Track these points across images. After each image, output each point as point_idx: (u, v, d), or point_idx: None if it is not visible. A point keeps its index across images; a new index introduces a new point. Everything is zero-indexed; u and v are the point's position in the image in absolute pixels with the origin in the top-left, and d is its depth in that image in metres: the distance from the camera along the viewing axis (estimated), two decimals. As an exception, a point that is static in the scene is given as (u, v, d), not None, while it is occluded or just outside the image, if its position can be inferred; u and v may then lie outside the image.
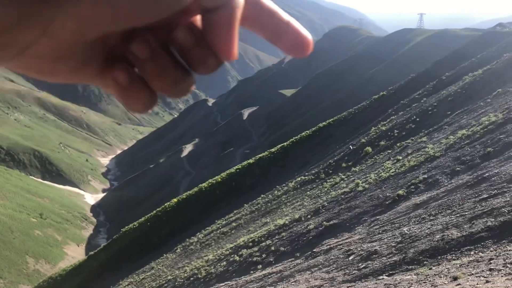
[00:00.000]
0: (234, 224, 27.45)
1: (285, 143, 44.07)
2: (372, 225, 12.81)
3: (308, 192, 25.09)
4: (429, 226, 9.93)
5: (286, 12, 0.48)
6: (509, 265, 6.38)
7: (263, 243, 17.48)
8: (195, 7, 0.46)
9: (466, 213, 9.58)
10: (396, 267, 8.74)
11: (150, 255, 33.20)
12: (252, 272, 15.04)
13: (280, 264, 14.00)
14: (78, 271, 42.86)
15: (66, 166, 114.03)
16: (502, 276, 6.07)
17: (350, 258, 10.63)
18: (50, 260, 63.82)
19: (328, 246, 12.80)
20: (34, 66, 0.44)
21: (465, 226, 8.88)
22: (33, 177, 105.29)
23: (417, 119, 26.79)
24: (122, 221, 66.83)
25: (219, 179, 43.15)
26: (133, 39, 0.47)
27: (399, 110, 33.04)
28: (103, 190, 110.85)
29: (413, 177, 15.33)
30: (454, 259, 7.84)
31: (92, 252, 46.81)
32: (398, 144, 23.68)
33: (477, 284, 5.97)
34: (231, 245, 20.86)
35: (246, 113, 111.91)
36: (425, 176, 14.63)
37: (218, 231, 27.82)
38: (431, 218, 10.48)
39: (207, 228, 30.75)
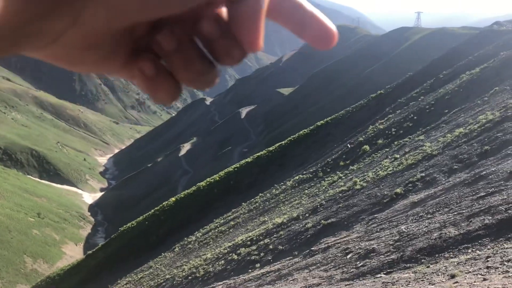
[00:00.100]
0: (232, 223, 27.45)
1: (283, 142, 44.10)
2: (370, 223, 12.83)
3: (306, 191, 25.11)
4: (426, 224, 9.95)
5: None
6: (506, 263, 6.40)
7: (261, 242, 17.49)
8: None
9: (464, 211, 9.61)
10: (394, 265, 8.76)
11: (148, 254, 33.18)
12: (250, 270, 15.06)
13: (278, 262, 14.02)
14: (76, 270, 42.82)
15: (63, 165, 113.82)
16: (499, 274, 6.09)
17: (348, 256, 10.65)
18: (48, 259, 63.73)
19: (326, 245, 12.82)
20: (64, 55, 0.44)
21: (463, 224, 8.91)
22: (30, 177, 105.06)
23: (415, 118, 26.83)
24: (120, 220, 66.78)
25: (217, 178, 43.15)
26: (159, 30, 0.48)
27: (397, 108, 33.08)
28: (101, 189, 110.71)
29: (411, 175, 15.36)
30: (451, 257, 7.86)
31: (90, 252, 46.76)
32: (395, 143, 23.72)
33: (475, 282, 5.99)
34: (229, 244, 20.87)
35: (244, 112, 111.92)
36: (423, 174, 14.66)
37: (216, 230, 27.83)
38: (429, 216, 10.51)
39: (205, 227, 30.75)
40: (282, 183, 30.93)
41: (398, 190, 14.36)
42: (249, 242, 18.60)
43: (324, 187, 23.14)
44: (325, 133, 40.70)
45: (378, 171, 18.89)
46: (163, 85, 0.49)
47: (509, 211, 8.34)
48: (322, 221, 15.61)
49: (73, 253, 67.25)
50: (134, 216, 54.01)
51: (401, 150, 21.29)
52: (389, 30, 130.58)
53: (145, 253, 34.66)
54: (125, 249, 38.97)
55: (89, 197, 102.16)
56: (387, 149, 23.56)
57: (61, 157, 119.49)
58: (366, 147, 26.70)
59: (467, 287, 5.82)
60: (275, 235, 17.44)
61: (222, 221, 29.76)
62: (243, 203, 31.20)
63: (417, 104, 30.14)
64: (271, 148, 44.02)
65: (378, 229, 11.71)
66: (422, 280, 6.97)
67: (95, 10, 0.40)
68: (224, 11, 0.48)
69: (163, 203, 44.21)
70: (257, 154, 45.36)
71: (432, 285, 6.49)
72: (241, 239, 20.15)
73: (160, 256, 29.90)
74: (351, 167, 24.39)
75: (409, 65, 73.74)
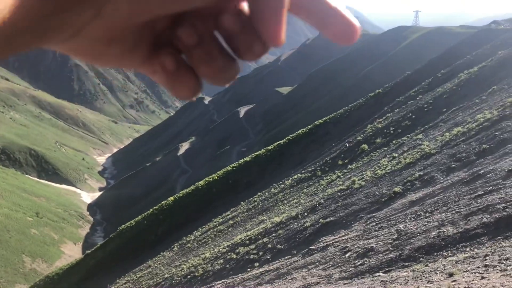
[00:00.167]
0: (231, 222, 27.46)
1: (281, 141, 44.11)
2: (368, 222, 12.85)
3: (305, 190, 25.13)
4: (425, 223, 9.97)
5: None
6: (504, 261, 6.42)
7: (260, 241, 17.50)
8: None
9: (462, 209, 9.63)
10: (393, 264, 8.78)
11: (147, 254, 33.17)
12: (249, 269, 15.07)
13: (277, 261, 14.04)
14: (75, 270, 42.79)
15: (62, 164, 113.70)
16: (497, 272, 6.11)
17: (347, 255, 10.67)
18: (47, 259, 63.68)
19: (325, 244, 12.84)
20: (86, 49, 0.45)
21: (461, 223, 8.93)
22: (29, 176, 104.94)
23: (413, 117, 26.87)
24: (119, 220, 66.74)
25: (216, 177, 43.15)
26: (181, 24, 0.48)
27: (395, 107, 33.12)
28: (100, 189, 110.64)
29: (409, 174, 15.39)
30: (450, 256, 7.89)
31: (89, 251, 46.73)
32: (394, 142, 23.74)
33: (473, 280, 6.01)
34: (228, 243, 20.88)
35: (242, 111, 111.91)
36: (421, 173, 14.69)
37: (215, 229, 27.83)
38: (427, 215, 10.53)
39: (204, 226, 30.76)
40: (280, 182, 30.95)
41: (396, 189, 14.38)
42: (248, 241, 18.61)
43: (322, 186, 23.16)
44: (324, 132, 40.73)
45: (377, 170, 18.92)
46: (184, 80, 0.49)
47: (507, 210, 8.36)
48: (320, 220, 15.62)
49: (72, 252, 67.22)
50: (133, 215, 53.98)
51: (399, 149, 21.32)
52: (387, 29, 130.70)
53: (144, 252, 34.65)
54: (124, 249, 38.96)
55: (88, 197, 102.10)
56: (386, 148, 23.59)
57: (59, 156, 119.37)
58: (365, 146, 26.72)
59: (465, 286, 5.84)
60: (274, 234, 17.45)
61: (220, 220, 29.77)
62: (242, 202, 31.21)
63: (416, 103, 30.18)
64: (269, 147, 44.03)
65: (377, 228, 11.73)
66: (420, 279, 6.99)
67: (117, 2, 0.40)
68: (245, 4, 0.48)
69: (162, 203, 44.20)
70: (256, 153, 45.37)
71: (431, 283, 6.51)
72: (240, 238, 20.16)
73: (159, 256, 29.90)
74: (349, 166, 24.41)
75: (407, 64, 73.80)
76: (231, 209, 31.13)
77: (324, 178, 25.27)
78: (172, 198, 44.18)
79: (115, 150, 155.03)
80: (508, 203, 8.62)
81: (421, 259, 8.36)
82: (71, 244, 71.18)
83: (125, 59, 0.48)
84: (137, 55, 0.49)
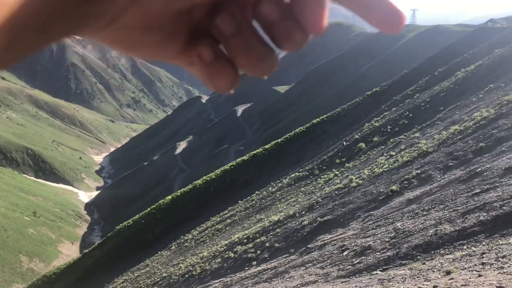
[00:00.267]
0: (228, 220, 27.46)
1: (279, 140, 44.12)
2: (366, 220, 12.88)
3: (302, 188, 25.15)
4: (422, 221, 10.00)
5: None
6: (501, 259, 6.44)
7: (258, 240, 17.51)
8: None
9: (459, 208, 9.65)
10: (390, 262, 8.79)
11: (145, 253, 33.15)
12: (247, 268, 15.08)
13: (275, 260, 14.05)
14: (73, 269, 42.72)
15: (59, 164, 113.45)
16: (494, 270, 6.13)
17: (344, 253, 10.69)
18: (44, 258, 63.56)
19: (323, 242, 12.85)
20: (122, 38, 0.44)
21: (458, 221, 8.96)
22: (26, 176, 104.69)
23: (410, 115, 26.91)
24: (116, 219, 66.66)
25: (214, 176, 43.13)
26: (218, 13, 0.46)
27: (392, 106, 33.16)
28: (97, 188, 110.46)
29: (406, 172, 15.41)
30: (447, 254, 7.91)
31: (86, 250, 46.67)
32: (391, 140, 23.78)
33: (470, 278, 6.03)
34: (226, 242, 20.88)
35: (240, 109, 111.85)
36: (418, 171, 14.72)
37: (213, 228, 27.83)
38: (424, 213, 10.56)
39: (202, 225, 30.75)
40: (278, 181, 30.96)
41: (393, 187, 14.41)
42: (245, 240, 18.62)
43: (320, 185, 23.18)
44: (321, 130, 40.76)
45: (374, 169, 18.95)
46: (221, 71, 0.48)
47: (504, 208, 8.39)
48: (318, 218, 15.64)
49: (70, 252, 67.10)
50: (130, 214, 53.93)
51: (396, 147, 21.35)
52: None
53: (142, 251, 34.63)
54: (122, 248, 38.92)
55: (85, 196, 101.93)
56: (383, 147, 23.62)
57: (56, 156, 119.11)
58: (362, 144, 26.75)
59: (462, 283, 5.85)
60: (271, 233, 17.46)
61: (218, 219, 29.77)
62: (240, 201, 31.22)
63: (413, 101, 30.22)
64: (267, 146, 44.04)
65: (374, 226, 11.75)
66: (418, 277, 7.01)
67: None
68: None
69: (160, 202, 44.17)
70: (253, 152, 45.38)
71: (428, 281, 6.52)
72: (237, 237, 20.16)
73: (156, 255, 29.89)
74: (347, 165, 24.44)
75: (405, 62, 73.87)
76: (229, 208, 31.13)
77: (322, 176, 25.29)
78: (169, 197, 44.15)
79: (112, 149, 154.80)
80: (505, 201, 8.65)
81: (418, 257, 8.38)
82: (69, 244, 71.06)
83: (162, 49, 0.47)
84: (173, 45, 0.47)
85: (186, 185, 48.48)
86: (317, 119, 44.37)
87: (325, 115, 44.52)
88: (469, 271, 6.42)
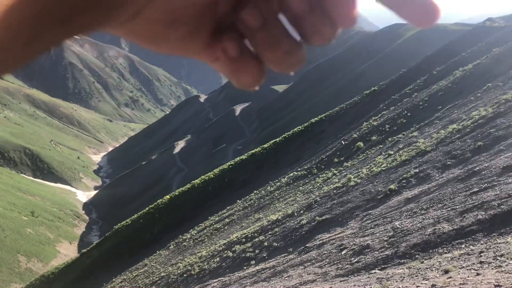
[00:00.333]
0: (227, 220, 27.46)
1: (277, 139, 44.13)
2: (364, 219, 12.89)
3: (301, 188, 25.16)
4: (420, 220, 10.01)
5: None
6: (499, 258, 6.46)
7: (256, 239, 17.51)
8: None
9: (457, 206, 9.67)
10: (388, 261, 8.80)
11: (143, 252, 33.12)
12: (245, 267, 15.08)
13: (273, 259, 14.05)
14: (71, 269, 42.67)
15: (57, 163, 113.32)
16: (492, 268, 6.14)
17: (343, 252, 10.70)
18: (42, 258, 63.48)
19: (321, 241, 12.86)
20: (145, 31, 0.42)
21: (456, 220, 8.97)
22: (24, 175, 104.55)
23: (408, 114, 26.93)
24: (114, 218, 66.64)
25: (212, 175, 43.12)
26: (244, 6, 0.45)
27: (391, 105, 33.18)
28: (95, 188, 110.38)
29: (405, 171, 15.43)
30: (445, 253, 7.92)
31: (84, 250, 46.61)
32: (389, 139, 23.80)
33: (468, 277, 6.04)
34: (224, 241, 20.88)
35: (238, 109, 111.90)
36: (417, 170, 14.73)
37: (211, 227, 27.83)
38: (423, 212, 10.57)
39: (200, 224, 30.74)
40: (276, 180, 30.97)
41: (392, 186, 14.42)
42: (244, 239, 18.62)
43: (318, 184, 23.19)
44: (319, 130, 40.77)
45: (372, 168, 18.96)
46: (247, 67, 0.46)
47: (502, 207, 8.41)
48: (316, 217, 15.65)
49: (68, 251, 67.04)
50: (128, 214, 53.89)
51: (395, 146, 21.37)
52: (383, 27, 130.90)
53: (140, 251, 34.60)
54: (120, 247, 38.88)
55: (83, 196, 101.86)
56: (381, 146, 23.64)
57: (54, 155, 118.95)
58: (360, 143, 26.76)
59: (460, 282, 5.86)
60: (270, 232, 17.46)
61: (217, 218, 29.76)
62: (238, 201, 31.22)
63: (411, 100, 30.25)
64: (265, 145, 44.04)
65: (373, 225, 11.76)
66: (416, 276, 7.02)
67: None
68: None
69: (158, 201, 44.14)
70: (252, 151, 45.38)
71: (426, 280, 6.53)
72: (236, 237, 20.16)
73: (155, 254, 29.87)
74: (345, 164, 24.45)
75: (403, 61, 73.96)
76: (227, 207, 31.13)
77: (320, 176, 25.30)
78: (168, 196, 44.13)
79: (110, 148, 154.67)
80: (503, 200, 8.66)
81: (416, 256, 8.39)
82: (67, 243, 70.99)
83: (186, 44, 0.45)
84: (198, 40, 0.45)
85: (185, 184, 48.46)
86: (316, 118, 44.38)
87: (324, 114, 44.54)
88: (467, 270, 6.43)
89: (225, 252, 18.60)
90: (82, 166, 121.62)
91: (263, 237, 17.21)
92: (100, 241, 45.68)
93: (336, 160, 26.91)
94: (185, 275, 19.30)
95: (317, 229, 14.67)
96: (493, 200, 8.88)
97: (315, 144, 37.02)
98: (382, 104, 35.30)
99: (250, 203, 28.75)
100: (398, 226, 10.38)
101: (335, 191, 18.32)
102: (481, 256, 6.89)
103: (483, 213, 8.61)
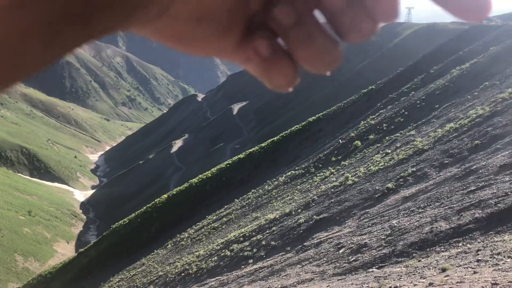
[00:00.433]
0: (225, 219, 27.46)
1: (275, 138, 44.14)
2: (361, 218, 12.90)
3: (298, 186, 25.17)
4: (418, 219, 10.03)
5: None
6: (496, 256, 6.47)
7: (254, 238, 17.52)
8: None
9: (454, 205, 9.69)
10: (386, 260, 8.82)
11: (141, 251, 33.10)
12: (243, 266, 15.08)
13: (271, 258, 14.06)
14: (68, 268, 42.60)
15: (54, 163, 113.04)
16: (489, 267, 6.16)
17: (340, 251, 10.71)
18: (40, 257, 63.34)
19: (319, 240, 12.88)
20: (172, 30, 0.39)
21: (454, 218, 8.99)
22: (21, 175, 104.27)
23: (406, 113, 26.97)
24: (112, 218, 66.53)
25: (210, 175, 43.10)
26: (277, 3, 0.41)
27: (388, 104, 33.22)
28: (93, 187, 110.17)
29: (402, 170, 15.45)
30: (442, 251, 7.94)
31: (82, 249, 46.54)
32: (387, 138, 23.83)
33: (465, 275, 6.06)
34: (222, 240, 20.87)
35: (236, 108, 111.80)
36: (414, 169, 14.76)
37: (209, 226, 27.82)
38: (420, 210, 10.59)
39: (198, 223, 30.73)
40: (274, 179, 30.97)
41: (389, 185, 14.44)
42: (241, 238, 18.62)
43: (316, 183, 23.21)
44: (317, 129, 40.80)
45: (370, 166, 18.99)
46: (280, 67, 0.42)
47: (499, 205, 8.43)
48: (314, 216, 15.66)
49: (65, 251, 66.91)
50: (126, 213, 53.83)
51: (392, 145, 21.40)
52: (380, 26, 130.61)
53: (138, 250, 34.57)
54: (117, 247, 38.84)
55: (81, 195, 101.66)
56: (379, 144, 23.67)
57: (51, 154, 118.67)
58: (358, 142, 26.79)
59: (458, 281, 5.88)
60: (267, 231, 17.47)
61: (214, 217, 29.76)
62: (236, 199, 31.22)
63: (408, 99, 30.29)
64: (263, 144, 44.05)
65: (370, 224, 11.78)
66: (413, 274, 7.03)
67: None
68: None
69: (155, 200, 44.10)
70: (249, 150, 45.38)
71: (424, 278, 6.54)
72: (233, 235, 20.17)
73: (152, 253, 29.85)
74: (343, 163, 24.47)
75: (400, 60, 74.03)
76: (225, 206, 31.13)
77: (318, 174, 25.32)
78: (165, 195, 44.09)
79: (107, 148, 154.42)
80: (500, 198, 8.68)
81: (414, 254, 8.40)
82: (64, 243, 70.85)
83: (215, 43, 0.41)
84: (228, 39, 0.42)
85: (182, 183, 48.43)
86: (313, 117, 44.41)
87: (321, 113, 44.57)
88: (464, 268, 6.45)
89: (223, 251, 18.61)
90: (79, 165, 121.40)
91: (261, 236, 17.22)
92: (97, 241, 45.62)
93: (333, 159, 26.93)
94: (182, 274, 19.30)
95: (315, 228, 14.68)
96: (490, 199, 8.90)
97: (312, 143, 37.04)
98: (379, 103, 35.33)
99: (247, 202, 28.75)
100: (395, 224, 10.39)
101: (332, 190, 18.34)
102: (478, 254, 6.91)
103: (480, 211, 8.63)
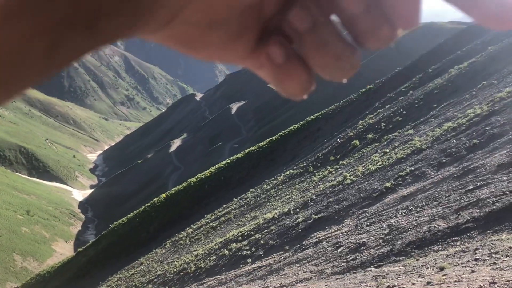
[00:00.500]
0: (223, 218, 27.47)
1: (273, 137, 44.16)
2: (360, 217, 12.92)
3: (297, 186, 25.19)
4: (416, 218, 10.05)
5: None
6: (494, 255, 6.49)
7: (253, 237, 17.53)
8: None
9: (452, 204, 9.71)
10: (384, 259, 8.83)
11: (139, 251, 33.10)
12: (241, 266, 15.10)
13: (270, 257, 14.07)
14: (67, 267, 42.58)
15: (53, 162, 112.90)
16: (487, 266, 6.18)
17: (339, 250, 10.72)
18: (38, 257, 63.29)
19: (317, 239, 12.89)
20: (184, 36, 0.37)
21: (452, 217, 9.01)
22: (19, 174, 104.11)
23: (404, 112, 26.99)
24: (110, 217, 66.50)
25: (208, 174, 43.10)
26: (292, 7, 0.39)
27: (386, 103, 33.25)
28: (91, 186, 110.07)
29: (400, 169, 15.47)
30: (440, 250, 7.95)
31: (80, 249, 46.53)
32: (385, 137, 23.86)
33: (463, 274, 6.07)
34: (221, 240, 20.88)
35: (234, 107, 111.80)
36: (412, 168, 14.78)
37: (208, 226, 27.83)
38: (418, 210, 10.61)
39: (196, 222, 30.74)
40: (273, 178, 30.99)
41: (387, 184, 14.46)
42: (240, 238, 18.64)
43: (314, 182, 23.22)
44: (315, 128, 40.82)
45: (368, 166, 19.01)
46: (294, 73, 0.40)
47: (497, 204, 8.45)
48: (312, 215, 15.68)
49: (64, 250, 66.86)
50: (124, 212, 53.81)
51: (390, 144, 21.42)
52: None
53: (136, 249, 34.57)
54: (116, 246, 38.83)
55: (79, 194, 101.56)
56: (377, 144, 23.69)
57: (50, 154, 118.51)
58: (356, 141, 26.82)
59: (456, 279, 5.89)
60: (266, 230, 17.48)
61: (213, 217, 29.77)
62: (234, 199, 31.23)
63: (406, 98, 30.32)
64: (261, 144, 44.06)
65: (368, 223, 11.79)
66: (412, 273, 7.05)
67: None
68: None
69: (154, 200, 44.10)
70: (248, 149, 45.39)
71: (422, 277, 6.56)
72: (232, 235, 20.18)
73: (151, 253, 29.85)
74: (341, 162, 24.50)
75: (398, 59, 74.14)
76: (224, 206, 31.14)
77: (316, 174, 25.34)
78: (164, 195, 44.08)
79: (106, 147, 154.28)
80: (497, 198, 8.70)
81: (412, 253, 8.42)
82: (63, 242, 70.79)
83: (228, 49, 0.39)
84: (241, 45, 0.39)
85: (181, 183, 48.42)
86: (312, 117, 44.44)
87: (320, 113, 44.60)
88: (462, 267, 6.47)
89: (222, 250, 18.62)
90: (77, 165, 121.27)
91: (259, 235, 17.23)
92: (96, 240, 45.60)
93: (332, 158, 26.96)
94: (181, 273, 19.30)
95: (313, 227, 14.70)
96: (488, 198, 8.92)
97: (311, 142, 37.07)
98: (377, 102, 35.37)
99: (246, 201, 28.76)
100: (393, 223, 10.41)
101: (331, 189, 18.36)
102: (476, 253, 6.93)
103: (478, 210, 8.65)
